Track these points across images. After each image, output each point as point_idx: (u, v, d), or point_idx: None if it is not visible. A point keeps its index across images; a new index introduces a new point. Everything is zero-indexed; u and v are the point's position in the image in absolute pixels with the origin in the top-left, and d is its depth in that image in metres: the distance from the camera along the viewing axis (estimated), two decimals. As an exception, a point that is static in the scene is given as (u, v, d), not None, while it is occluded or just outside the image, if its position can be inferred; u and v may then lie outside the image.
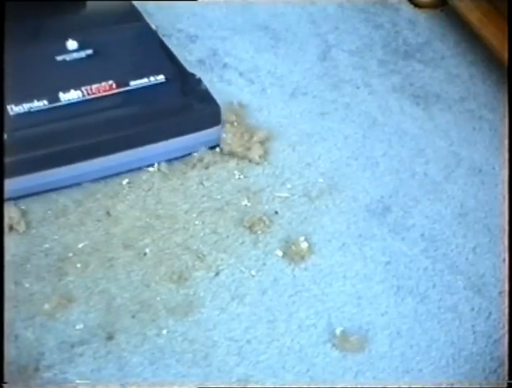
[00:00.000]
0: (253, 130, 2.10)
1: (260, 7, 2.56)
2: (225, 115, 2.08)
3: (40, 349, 1.63)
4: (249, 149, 2.06)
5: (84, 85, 1.91)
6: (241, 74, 2.30)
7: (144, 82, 1.96)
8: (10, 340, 1.61)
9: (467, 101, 2.31)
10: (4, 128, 1.78)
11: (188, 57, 2.32)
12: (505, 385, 1.60)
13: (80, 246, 1.81)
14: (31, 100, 1.87)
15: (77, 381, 1.58)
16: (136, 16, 2.06)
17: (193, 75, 2.07)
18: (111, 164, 1.92)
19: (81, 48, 1.91)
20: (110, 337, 1.66)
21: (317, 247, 1.87)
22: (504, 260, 1.87)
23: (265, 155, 2.06)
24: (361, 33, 2.52)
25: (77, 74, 1.91)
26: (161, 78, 1.98)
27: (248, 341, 1.68)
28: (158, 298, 1.73)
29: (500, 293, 1.81)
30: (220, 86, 2.24)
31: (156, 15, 2.32)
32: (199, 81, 2.05)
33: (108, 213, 1.88)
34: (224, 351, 1.66)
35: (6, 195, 1.77)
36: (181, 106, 1.98)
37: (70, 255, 1.80)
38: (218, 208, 1.93)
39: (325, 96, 2.29)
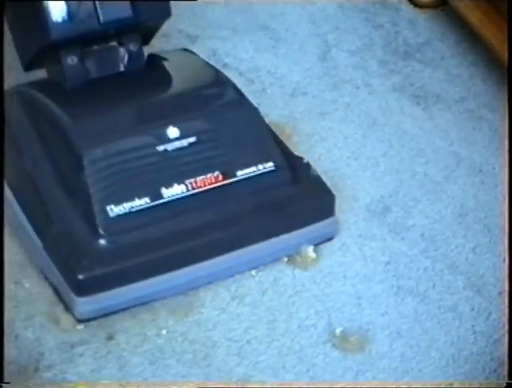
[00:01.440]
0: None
1: (260, 7, 2.56)
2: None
3: (40, 349, 1.63)
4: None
5: (188, 178, 1.67)
6: (240, 74, 2.30)
7: (252, 171, 1.72)
8: (10, 340, 1.61)
9: (468, 101, 2.31)
10: (102, 231, 1.60)
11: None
12: (505, 386, 1.60)
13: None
14: (132, 198, 1.62)
15: (77, 381, 1.58)
16: (235, 92, 1.84)
17: (301, 159, 1.84)
18: (220, 268, 1.70)
19: (182, 135, 1.69)
20: (110, 337, 1.66)
21: (317, 247, 1.86)
22: (504, 260, 1.87)
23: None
24: (361, 33, 2.52)
25: (179, 166, 1.68)
26: (269, 165, 1.74)
27: (248, 341, 1.68)
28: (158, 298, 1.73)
29: (500, 293, 1.81)
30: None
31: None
32: (308, 166, 1.83)
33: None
34: (224, 351, 1.66)
35: (97, 313, 1.62)
36: (292, 196, 1.75)
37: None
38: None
39: (325, 96, 2.29)
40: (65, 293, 1.64)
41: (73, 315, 1.65)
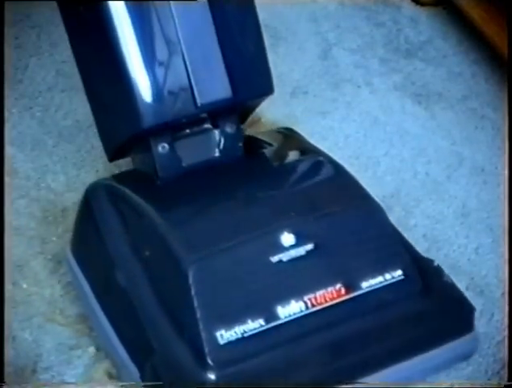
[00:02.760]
0: (253, 130, 2.08)
1: (260, 6, 2.53)
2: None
3: (38, 351, 1.61)
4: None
5: (306, 293, 1.41)
6: (241, 73, 2.29)
7: (379, 281, 1.46)
8: (8, 342, 1.60)
9: (470, 100, 2.30)
10: (212, 362, 1.31)
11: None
12: (503, 387, 1.59)
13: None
14: (244, 321, 1.35)
15: (75, 383, 1.57)
16: (356, 187, 1.61)
17: (431, 262, 1.59)
18: None
19: (299, 242, 1.42)
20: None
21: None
22: (506, 261, 1.86)
23: (265, 155, 2.04)
24: (362, 31, 2.51)
25: (297, 279, 1.42)
26: (398, 274, 1.48)
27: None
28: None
29: (503, 293, 1.80)
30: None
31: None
32: (440, 270, 1.57)
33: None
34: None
35: None
36: (424, 310, 1.50)
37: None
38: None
39: (325, 95, 2.28)
40: None
41: None
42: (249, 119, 2.00)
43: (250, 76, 1.57)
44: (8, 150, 1.90)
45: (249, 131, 2.06)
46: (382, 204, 1.99)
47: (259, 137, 1.72)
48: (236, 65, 1.53)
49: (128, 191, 1.51)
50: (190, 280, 1.34)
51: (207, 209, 1.51)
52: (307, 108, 2.23)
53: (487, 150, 2.15)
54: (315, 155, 1.67)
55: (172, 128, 1.52)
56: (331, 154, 2.09)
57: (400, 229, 1.92)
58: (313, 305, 1.40)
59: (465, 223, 1.96)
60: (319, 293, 1.41)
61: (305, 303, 1.39)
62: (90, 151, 1.95)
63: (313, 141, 2.13)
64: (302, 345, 1.38)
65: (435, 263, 1.57)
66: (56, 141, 2.02)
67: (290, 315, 1.38)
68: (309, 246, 1.43)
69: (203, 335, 1.33)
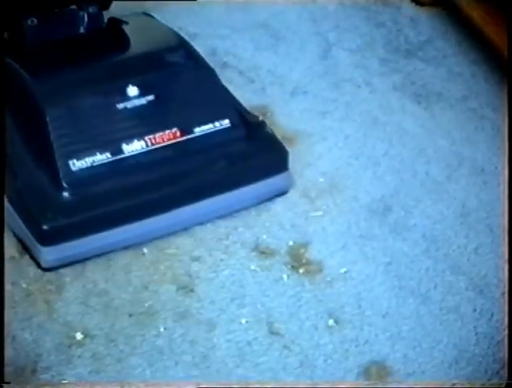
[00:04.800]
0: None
1: (260, 5, 2.55)
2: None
3: (38, 350, 1.61)
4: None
5: (147, 134, 1.78)
6: (240, 73, 2.30)
7: (209, 128, 1.84)
8: (8, 341, 1.60)
9: (470, 100, 2.30)
10: (66, 184, 1.71)
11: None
12: (504, 385, 1.59)
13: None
14: (93, 153, 1.73)
15: (75, 383, 1.57)
16: (192, 54, 1.96)
17: (256, 117, 1.93)
18: (177, 219, 1.81)
19: (141, 94, 1.80)
20: (108, 338, 1.64)
21: (318, 248, 1.85)
22: (506, 261, 1.86)
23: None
24: (362, 31, 2.51)
25: (139, 123, 1.80)
26: (226, 122, 1.85)
27: (248, 342, 1.67)
28: (157, 299, 1.72)
29: (502, 293, 1.80)
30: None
31: (155, 14, 2.30)
32: (263, 123, 1.92)
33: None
34: (223, 352, 1.65)
35: (60, 262, 1.71)
36: (247, 152, 1.87)
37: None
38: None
39: (325, 95, 2.28)
40: (30, 244, 1.72)
41: (39, 264, 1.73)
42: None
43: None
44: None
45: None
46: (381, 204, 2.01)
47: (119, 18, 2.03)
48: None
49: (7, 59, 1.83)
50: (48, 118, 1.71)
51: (67, 67, 1.86)
52: (307, 108, 2.23)
53: (486, 150, 2.16)
54: (163, 30, 2.04)
55: (40, 7, 1.85)
56: (331, 154, 2.11)
57: (399, 229, 1.93)
58: (153, 144, 1.78)
59: (465, 223, 1.96)
60: (158, 135, 1.78)
61: (146, 142, 1.77)
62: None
63: (313, 140, 2.14)
64: (142, 175, 1.75)
65: (260, 119, 1.94)
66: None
67: (133, 151, 1.76)
68: (150, 97, 1.80)
69: (59, 163, 1.70)
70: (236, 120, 1.87)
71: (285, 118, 2.18)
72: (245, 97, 2.20)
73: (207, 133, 1.83)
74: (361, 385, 1.62)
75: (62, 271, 1.74)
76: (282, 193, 1.93)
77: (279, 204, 1.94)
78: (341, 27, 2.51)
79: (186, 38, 2.37)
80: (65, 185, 1.70)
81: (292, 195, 1.97)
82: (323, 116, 2.21)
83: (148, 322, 1.68)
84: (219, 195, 1.82)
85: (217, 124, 1.84)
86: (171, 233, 1.81)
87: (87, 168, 1.72)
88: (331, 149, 2.12)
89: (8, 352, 1.58)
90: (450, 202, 2.01)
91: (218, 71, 2.27)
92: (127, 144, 1.76)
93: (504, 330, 1.73)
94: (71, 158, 1.72)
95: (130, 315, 1.69)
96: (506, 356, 1.59)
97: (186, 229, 1.82)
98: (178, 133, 1.80)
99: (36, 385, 1.56)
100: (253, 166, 1.87)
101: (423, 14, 2.59)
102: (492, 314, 1.76)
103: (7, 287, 1.69)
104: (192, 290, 1.75)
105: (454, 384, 1.62)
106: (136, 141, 1.77)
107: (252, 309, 1.72)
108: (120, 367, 1.60)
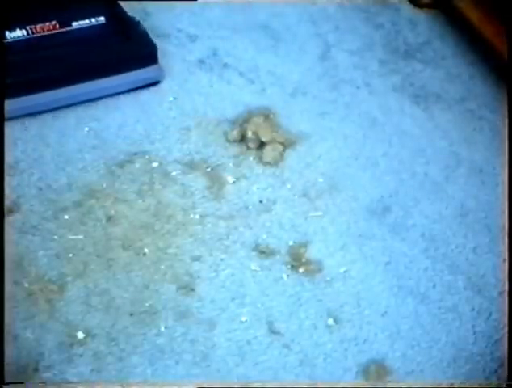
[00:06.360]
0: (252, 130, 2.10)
1: (260, 7, 2.55)
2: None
3: (40, 349, 1.62)
4: (248, 149, 2.06)
5: (29, 24, 2.10)
6: (240, 74, 2.30)
7: (85, 23, 2.16)
8: (10, 341, 1.60)
9: (468, 101, 2.31)
10: None
11: (188, 57, 2.32)
12: (504, 386, 1.60)
13: (80, 246, 1.81)
14: None
15: (77, 382, 1.58)
16: None
17: (133, 18, 2.27)
18: (59, 97, 2.13)
19: None
20: (109, 337, 1.65)
21: (317, 247, 1.86)
22: (504, 260, 1.86)
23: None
24: (361, 33, 2.51)
25: (23, 11, 2.12)
26: (101, 19, 2.18)
27: (248, 342, 1.67)
28: (158, 298, 1.73)
29: (500, 293, 1.80)
30: (219, 86, 2.23)
31: (155, 15, 2.32)
32: (138, 23, 2.27)
33: (107, 214, 1.88)
34: (223, 351, 1.65)
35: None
36: (120, 45, 2.19)
37: (70, 255, 1.79)
38: (218, 208, 1.93)
39: (325, 96, 2.28)
40: None
41: None
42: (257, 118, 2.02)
43: None
44: None
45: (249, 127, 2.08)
46: (381, 204, 2.01)
47: None
48: None
49: None
50: None
51: None
52: (306, 109, 2.23)
53: (485, 151, 2.16)
54: None
55: None
56: (331, 154, 2.12)
57: (398, 228, 1.94)
58: (33, 33, 2.09)
59: (463, 223, 1.97)
60: (39, 26, 2.09)
61: (27, 30, 2.08)
62: None
63: (313, 141, 2.15)
64: (26, 58, 2.04)
65: (136, 19, 2.25)
66: None
67: (15, 38, 2.06)
68: None
69: None
70: (111, 17, 2.17)
71: (285, 119, 2.18)
72: (246, 98, 2.22)
73: (83, 27, 2.15)
74: (360, 384, 1.62)
75: (64, 270, 1.76)
76: (153, 83, 2.23)
77: (279, 205, 1.95)
78: (340, 28, 2.52)
79: (187, 39, 2.39)
80: None
81: (292, 195, 1.98)
82: (322, 117, 2.22)
83: (149, 321, 1.69)
84: (95, 79, 2.14)
85: (93, 20, 2.16)
86: (56, 108, 2.13)
87: None
88: (330, 149, 2.13)
89: (10, 350, 1.59)
90: (448, 202, 2.02)
91: (218, 72, 2.29)
92: (10, 32, 2.06)
93: (502, 328, 1.74)
94: None
95: (131, 314, 1.70)
96: (506, 356, 1.60)
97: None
98: (58, 26, 2.11)
99: (38, 383, 1.57)
100: (124, 57, 2.18)
101: (421, 16, 2.60)
102: (490, 313, 1.77)
103: (9, 287, 1.70)
104: (193, 290, 1.76)
105: (452, 384, 1.63)
106: (18, 29, 2.08)
107: (252, 309, 1.73)
108: (121, 366, 1.61)
